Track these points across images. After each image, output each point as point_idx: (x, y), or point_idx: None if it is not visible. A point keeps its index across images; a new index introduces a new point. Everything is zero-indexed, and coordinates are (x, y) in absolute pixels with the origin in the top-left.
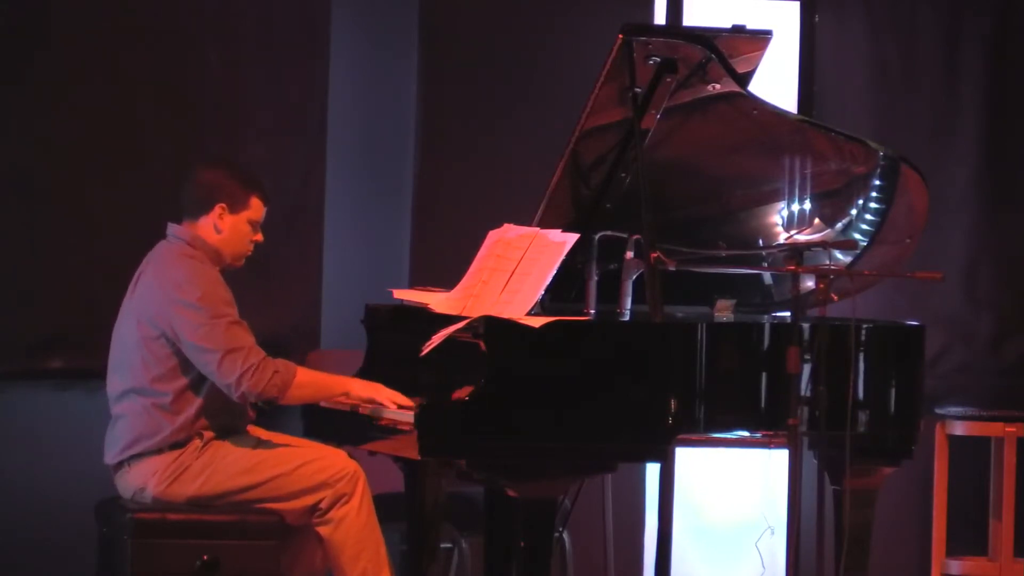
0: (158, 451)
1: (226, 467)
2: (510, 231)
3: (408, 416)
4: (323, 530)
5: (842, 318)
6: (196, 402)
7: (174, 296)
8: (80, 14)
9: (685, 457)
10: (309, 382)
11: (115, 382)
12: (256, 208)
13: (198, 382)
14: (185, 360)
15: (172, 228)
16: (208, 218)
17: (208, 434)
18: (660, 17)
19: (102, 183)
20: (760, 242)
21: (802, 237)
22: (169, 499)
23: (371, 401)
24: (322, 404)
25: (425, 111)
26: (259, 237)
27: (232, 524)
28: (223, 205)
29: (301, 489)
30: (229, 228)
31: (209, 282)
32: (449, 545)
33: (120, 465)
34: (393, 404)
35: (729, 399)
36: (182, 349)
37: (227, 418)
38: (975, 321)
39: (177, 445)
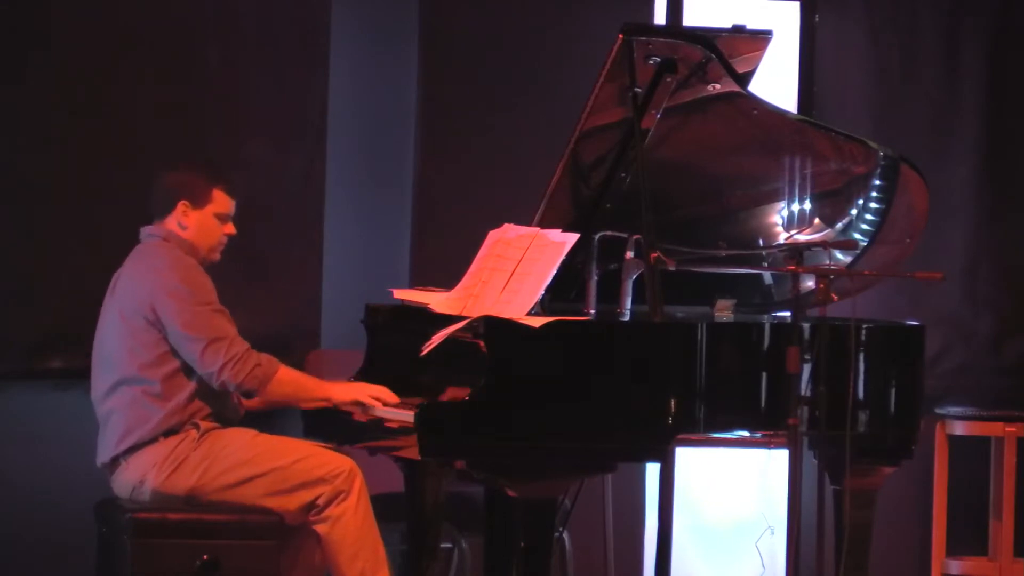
0: (153, 440)
1: (224, 458)
2: (510, 231)
3: (408, 416)
4: (321, 528)
5: (842, 318)
6: (187, 388)
7: (156, 281)
8: (80, 14)
9: (685, 457)
10: (290, 380)
11: (101, 381)
12: (220, 201)
13: (187, 368)
14: (171, 346)
15: (144, 230)
16: (172, 216)
17: (204, 424)
18: (660, 17)
19: (102, 183)
20: (760, 242)
21: (802, 237)
22: (168, 491)
23: (356, 404)
24: (303, 406)
25: (425, 111)
26: (230, 229)
27: (232, 524)
28: (185, 202)
29: (299, 483)
30: (194, 224)
31: (189, 268)
32: (449, 545)
33: (116, 462)
34: (378, 403)
35: (729, 399)
36: (167, 335)
37: (219, 405)
38: (975, 321)
39: (171, 432)
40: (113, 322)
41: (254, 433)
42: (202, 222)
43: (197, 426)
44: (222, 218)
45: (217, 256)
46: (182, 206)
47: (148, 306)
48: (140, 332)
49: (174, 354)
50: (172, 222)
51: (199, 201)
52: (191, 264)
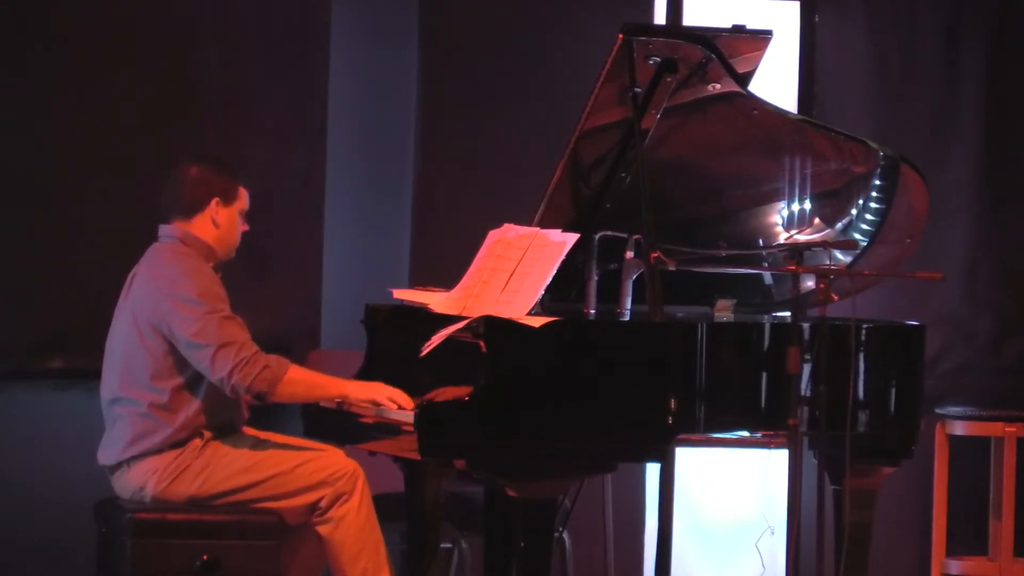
0: (159, 451)
1: (225, 466)
2: (510, 231)
3: (408, 416)
4: (323, 529)
5: (842, 318)
6: (194, 402)
7: (170, 291)
8: (80, 14)
9: (685, 457)
10: (301, 380)
11: (111, 384)
12: (244, 198)
13: (195, 379)
14: (181, 357)
15: (163, 228)
16: (204, 214)
17: (208, 433)
18: (660, 17)
19: (102, 183)
20: (760, 242)
21: (802, 237)
22: (168, 499)
23: (372, 403)
24: (322, 404)
25: (425, 111)
26: (245, 227)
27: (232, 524)
28: (217, 199)
29: (300, 487)
30: (225, 221)
31: (204, 277)
32: (449, 545)
33: (119, 465)
34: (394, 405)
35: (729, 399)
36: (177, 346)
37: (226, 415)
38: (975, 321)
39: (178, 444)
40: (126, 326)
41: (256, 440)
42: (231, 219)
43: (202, 435)
44: (243, 216)
45: (233, 255)
46: (215, 203)
47: (161, 317)
48: (150, 341)
49: (184, 366)
50: (203, 220)
51: (229, 198)
52: (205, 273)
